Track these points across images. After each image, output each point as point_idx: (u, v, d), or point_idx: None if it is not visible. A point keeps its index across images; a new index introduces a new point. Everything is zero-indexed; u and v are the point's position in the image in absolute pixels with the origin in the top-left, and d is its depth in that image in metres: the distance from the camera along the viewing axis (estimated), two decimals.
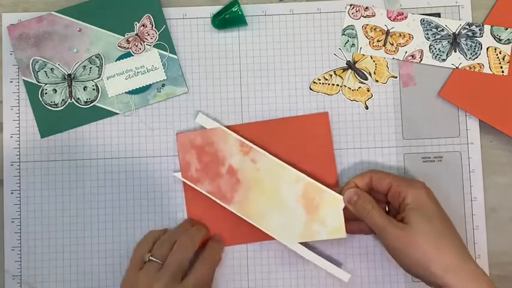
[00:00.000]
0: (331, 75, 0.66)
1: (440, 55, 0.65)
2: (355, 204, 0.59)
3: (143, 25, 0.65)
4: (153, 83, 0.65)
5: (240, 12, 0.64)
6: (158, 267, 0.58)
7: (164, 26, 0.66)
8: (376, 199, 0.59)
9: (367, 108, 0.65)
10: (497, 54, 0.65)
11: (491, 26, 0.65)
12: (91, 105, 0.65)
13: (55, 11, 0.66)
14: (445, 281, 0.53)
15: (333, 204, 0.61)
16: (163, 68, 0.65)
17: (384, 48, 0.66)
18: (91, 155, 0.65)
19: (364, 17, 0.66)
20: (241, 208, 0.63)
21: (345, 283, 0.63)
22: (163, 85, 0.65)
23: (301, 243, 0.63)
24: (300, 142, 0.64)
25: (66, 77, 0.65)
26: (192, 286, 0.58)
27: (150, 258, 0.59)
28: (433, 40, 0.65)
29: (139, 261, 0.60)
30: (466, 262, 0.54)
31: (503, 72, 0.65)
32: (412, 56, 0.65)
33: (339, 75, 0.66)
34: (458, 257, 0.54)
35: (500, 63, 0.65)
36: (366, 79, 0.66)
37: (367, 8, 0.66)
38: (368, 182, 0.60)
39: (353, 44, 0.66)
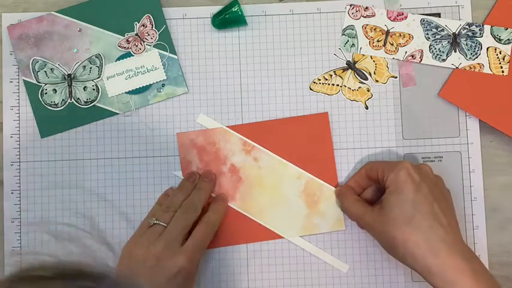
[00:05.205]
0: (331, 75, 0.66)
1: (440, 55, 0.65)
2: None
3: (143, 25, 0.65)
4: (153, 83, 0.65)
5: (240, 12, 0.64)
6: (160, 231, 0.59)
7: (164, 26, 0.66)
8: (378, 189, 0.62)
9: (367, 108, 0.65)
10: (497, 54, 0.65)
11: (491, 26, 0.65)
12: (91, 105, 0.65)
13: (55, 11, 0.66)
14: (419, 272, 0.54)
15: (332, 198, 0.63)
16: (163, 68, 0.65)
17: (384, 48, 0.66)
18: (91, 155, 0.65)
19: (364, 17, 0.66)
20: (243, 205, 0.64)
21: (344, 279, 0.63)
22: (163, 85, 0.66)
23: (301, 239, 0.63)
24: (300, 142, 0.65)
25: (66, 77, 0.65)
26: (191, 250, 0.58)
27: (155, 222, 0.60)
28: (433, 40, 0.65)
29: (145, 225, 0.61)
30: (435, 255, 0.53)
31: (503, 72, 0.65)
32: (412, 56, 0.65)
33: (339, 75, 0.66)
34: (425, 250, 0.53)
35: (500, 63, 0.65)
36: (366, 79, 0.66)
37: (367, 8, 0.66)
38: (364, 174, 0.62)
39: (353, 44, 0.66)
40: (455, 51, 0.65)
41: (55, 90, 0.65)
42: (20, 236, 0.65)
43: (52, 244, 0.65)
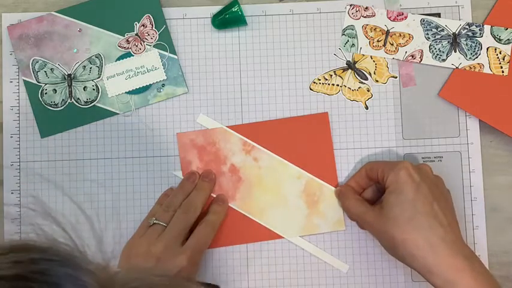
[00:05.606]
0: (331, 75, 0.66)
1: (440, 55, 0.65)
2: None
3: (143, 25, 0.65)
4: (153, 83, 0.65)
5: (240, 12, 0.64)
6: (160, 231, 0.59)
7: (164, 26, 0.66)
8: (378, 189, 0.62)
9: (367, 108, 0.65)
10: (497, 54, 0.65)
11: (491, 26, 0.65)
12: (91, 105, 0.65)
13: (55, 11, 0.66)
14: (419, 272, 0.54)
15: (332, 198, 0.63)
16: (163, 68, 0.65)
17: (384, 48, 0.66)
18: (91, 155, 0.65)
19: (364, 17, 0.66)
20: (243, 205, 0.64)
21: (344, 279, 0.63)
22: (163, 85, 0.66)
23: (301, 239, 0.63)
24: (300, 142, 0.65)
25: (66, 77, 0.65)
26: (191, 250, 0.58)
27: (155, 221, 0.60)
28: (433, 40, 0.65)
29: (145, 225, 0.61)
30: (435, 255, 0.53)
31: (503, 72, 0.65)
32: (412, 56, 0.65)
33: (339, 75, 0.66)
34: (425, 250, 0.53)
35: (500, 63, 0.65)
36: (366, 79, 0.66)
37: (367, 8, 0.66)
38: (364, 174, 0.62)
39: (353, 44, 0.66)
40: (455, 51, 0.65)
41: (55, 90, 0.65)
42: (20, 236, 0.64)
43: None
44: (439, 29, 0.65)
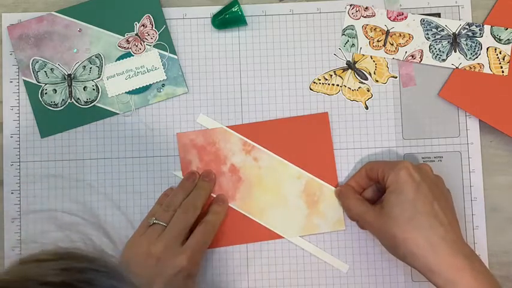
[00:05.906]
0: (331, 75, 0.66)
1: (440, 55, 0.65)
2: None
3: (143, 25, 0.65)
4: (153, 83, 0.65)
5: (240, 12, 0.64)
6: (160, 231, 0.59)
7: (164, 26, 0.66)
8: (379, 189, 0.62)
9: (367, 108, 0.65)
10: (497, 54, 0.65)
11: (491, 26, 0.65)
12: (91, 105, 0.65)
13: (55, 11, 0.66)
14: (419, 271, 0.54)
15: (332, 198, 0.63)
16: (163, 68, 0.65)
17: (384, 48, 0.66)
18: (91, 155, 0.65)
19: (364, 17, 0.66)
20: (243, 205, 0.64)
21: (344, 279, 0.63)
22: (163, 85, 0.66)
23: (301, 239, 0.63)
24: (300, 142, 0.65)
25: (66, 77, 0.65)
26: (192, 250, 0.58)
27: (155, 221, 0.60)
28: (433, 40, 0.65)
29: (145, 225, 0.61)
30: (435, 254, 0.53)
31: (503, 72, 0.65)
32: (412, 56, 0.65)
33: (339, 75, 0.66)
34: (426, 249, 0.54)
35: (500, 63, 0.65)
36: (366, 79, 0.66)
37: (367, 8, 0.66)
38: (364, 174, 0.62)
39: (353, 44, 0.66)
40: (455, 51, 0.65)
41: (55, 90, 0.65)
42: (20, 236, 0.64)
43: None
44: (439, 29, 0.65)
